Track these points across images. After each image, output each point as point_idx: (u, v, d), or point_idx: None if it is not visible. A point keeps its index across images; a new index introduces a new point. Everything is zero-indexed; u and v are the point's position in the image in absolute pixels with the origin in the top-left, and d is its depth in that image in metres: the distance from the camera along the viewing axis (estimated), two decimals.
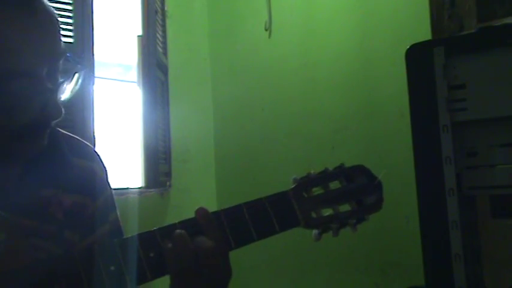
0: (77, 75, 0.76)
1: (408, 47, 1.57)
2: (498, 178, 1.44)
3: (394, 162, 2.33)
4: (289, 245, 2.53)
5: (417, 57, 1.55)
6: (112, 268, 0.71)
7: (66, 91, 0.77)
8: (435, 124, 1.48)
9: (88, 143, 0.93)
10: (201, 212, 0.77)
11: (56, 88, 0.73)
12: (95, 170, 0.89)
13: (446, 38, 1.88)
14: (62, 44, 0.74)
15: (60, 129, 0.87)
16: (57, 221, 0.78)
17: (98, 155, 0.93)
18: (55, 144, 0.82)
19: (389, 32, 2.46)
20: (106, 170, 0.93)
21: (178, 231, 0.74)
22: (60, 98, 0.75)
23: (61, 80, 0.74)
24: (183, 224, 0.76)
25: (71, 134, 0.90)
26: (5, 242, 0.67)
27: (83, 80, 0.78)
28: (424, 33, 2.15)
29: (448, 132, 1.47)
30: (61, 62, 0.74)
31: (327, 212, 0.84)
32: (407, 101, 1.57)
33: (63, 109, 0.74)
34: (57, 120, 0.74)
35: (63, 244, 0.77)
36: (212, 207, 2.92)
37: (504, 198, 1.46)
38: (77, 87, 0.77)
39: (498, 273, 1.49)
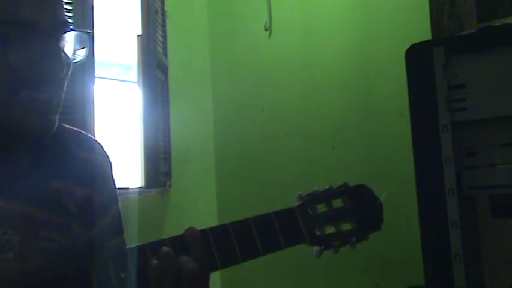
0: (80, 34, 0.78)
1: (408, 47, 1.57)
2: (498, 178, 1.44)
3: (394, 162, 2.33)
4: None
5: (417, 57, 1.55)
6: (122, 275, 0.72)
7: (70, 53, 0.77)
8: (435, 124, 1.48)
9: (92, 136, 0.93)
10: (189, 231, 0.76)
11: (57, 43, 0.74)
12: (99, 162, 0.90)
13: (446, 38, 1.88)
14: (64, 15, 0.77)
15: (64, 124, 0.87)
16: (67, 213, 0.79)
17: (102, 147, 0.93)
18: (60, 138, 0.83)
19: (389, 32, 2.46)
20: (110, 163, 0.93)
21: (165, 248, 0.73)
22: (63, 57, 0.75)
23: (63, 34, 0.76)
24: (172, 240, 0.76)
25: (75, 128, 0.91)
26: (20, 243, 0.68)
27: (89, 46, 0.79)
28: (424, 33, 2.15)
29: (448, 132, 1.47)
30: (64, 30, 0.76)
31: (329, 229, 0.86)
32: (407, 101, 1.57)
33: (65, 67, 0.75)
34: (60, 72, 0.74)
35: (70, 236, 0.77)
36: (212, 207, 2.91)
37: (504, 198, 1.46)
38: (86, 49, 0.78)
39: (498, 273, 1.49)
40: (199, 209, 2.99)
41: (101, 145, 0.93)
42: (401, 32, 2.37)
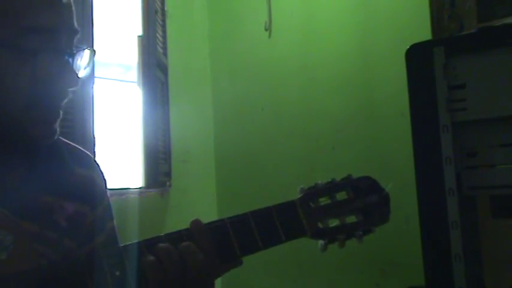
0: (88, 51, 0.80)
1: (408, 47, 1.57)
2: (498, 178, 1.43)
3: (394, 162, 2.33)
4: (289, 246, 2.52)
5: (417, 57, 1.55)
6: (117, 273, 0.71)
7: (80, 67, 0.79)
8: (435, 124, 1.48)
9: (88, 153, 0.94)
10: (195, 223, 0.76)
11: (72, 54, 0.76)
12: (94, 179, 0.90)
13: (446, 38, 1.88)
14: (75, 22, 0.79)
15: (62, 138, 0.88)
16: (59, 227, 0.79)
17: (98, 164, 0.94)
18: (57, 152, 0.84)
19: (389, 32, 2.46)
20: (105, 180, 0.94)
21: (161, 244, 0.72)
22: (76, 69, 0.78)
23: (77, 52, 0.78)
24: (169, 236, 0.75)
25: (73, 144, 0.91)
26: (14, 244, 0.68)
27: (92, 63, 0.81)
28: (424, 33, 2.15)
29: (448, 132, 1.47)
30: (76, 38, 0.79)
31: (334, 222, 0.83)
32: (407, 101, 1.57)
33: (78, 80, 0.77)
34: (74, 87, 0.77)
35: (62, 251, 0.77)
36: (212, 207, 2.92)
37: (504, 198, 1.46)
38: (90, 66, 0.80)
39: (498, 273, 1.49)
40: (199, 209, 2.99)
41: (96, 162, 0.93)
42: (401, 32, 2.37)
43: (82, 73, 0.80)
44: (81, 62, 0.80)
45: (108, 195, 0.93)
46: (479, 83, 1.46)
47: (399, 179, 2.09)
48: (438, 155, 1.47)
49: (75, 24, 0.79)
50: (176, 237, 0.74)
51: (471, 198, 1.49)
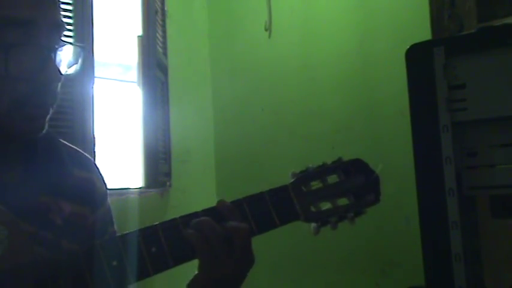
0: (73, 47, 0.78)
1: (408, 47, 1.57)
2: (498, 178, 1.43)
3: (394, 162, 2.33)
4: (289, 245, 2.52)
5: (417, 57, 1.55)
6: (114, 263, 0.71)
7: (65, 63, 0.78)
8: (435, 124, 1.48)
9: (89, 156, 0.93)
10: (222, 203, 0.79)
11: (53, 49, 0.74)
12: (95, 182, 0.90)
13: (446, 38, 1.88)
14: (61, 16, 0.77)
15: (62, 140, 0.88)
16: (56, 227, 0.78)
17: (98, 168, 0.93)
18: (55, 154, 0.84)
19: (389, 32, 2.46)
20: (105, 184, 0.93)
21: (198, 218, 0.76)
22: (58, 64, 0.75)
23: (60, 47, 0.76)
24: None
25: (73, 146, 0.91)
26: (8, 238, 0.68)
27: (83, 63, 0.79)
28: (424, 33, 2.15)
29: (448, 132, 1.47)
30: (61, 33, 0.76)
31: (326, 205, 0.84)
32: (407, 101, 1.57)
33: (62, 74, 0.75)
34: (56, 83, 0.75)
35: (60, 252, 0.77)
36: None
37: (504, 198, 1.46)
38: (78, 63, 0.79)
39: (498, 273, 1.49)
40: (199, 209, 2.98)
41: (96, 165, 0.93)
42: (401, 32, 2.37)
43: (68, 70, 0.78)
44: (66, 58, 0.77)
45: (108, 198, 0.93)
46: (479, 83, 1.46)
47: (399, 179, 2.10)
48: (438, 155, 1.47)
49: (59, 17, 0.76)
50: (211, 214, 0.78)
51: (471, 198, 1.49)
